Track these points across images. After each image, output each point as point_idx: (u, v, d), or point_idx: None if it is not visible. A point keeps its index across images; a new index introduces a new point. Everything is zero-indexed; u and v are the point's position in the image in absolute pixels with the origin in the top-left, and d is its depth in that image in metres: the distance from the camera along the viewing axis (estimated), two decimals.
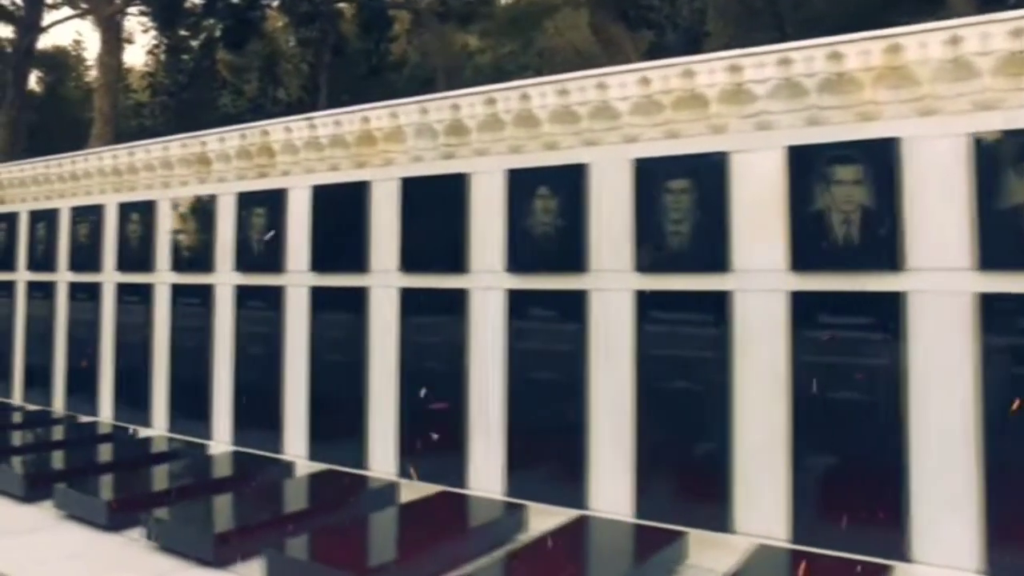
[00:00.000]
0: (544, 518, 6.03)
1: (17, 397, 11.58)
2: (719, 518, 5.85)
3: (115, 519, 5.79)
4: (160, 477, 7.05)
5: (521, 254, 6.95)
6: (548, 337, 6.84)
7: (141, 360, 9.82)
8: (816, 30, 6.43)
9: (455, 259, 7.29)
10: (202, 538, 5.23)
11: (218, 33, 22.12)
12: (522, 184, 7.00)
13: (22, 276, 11.74)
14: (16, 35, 22.78)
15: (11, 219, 12.07)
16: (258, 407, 8.60)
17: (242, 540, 5.24)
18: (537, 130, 6.96)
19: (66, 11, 25.15)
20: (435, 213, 7.50)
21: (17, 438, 8.51)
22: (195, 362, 9.22)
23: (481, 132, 7.26)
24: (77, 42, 32.79)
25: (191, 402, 9.21)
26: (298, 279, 8.36)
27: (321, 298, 8.19)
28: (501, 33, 25.31)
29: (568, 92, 6.77)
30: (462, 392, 7.15)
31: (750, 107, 6.08)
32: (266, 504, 6.29)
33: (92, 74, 35.30)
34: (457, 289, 7.27)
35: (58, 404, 10.90)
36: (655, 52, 16.49)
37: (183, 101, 25.23)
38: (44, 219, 11.49)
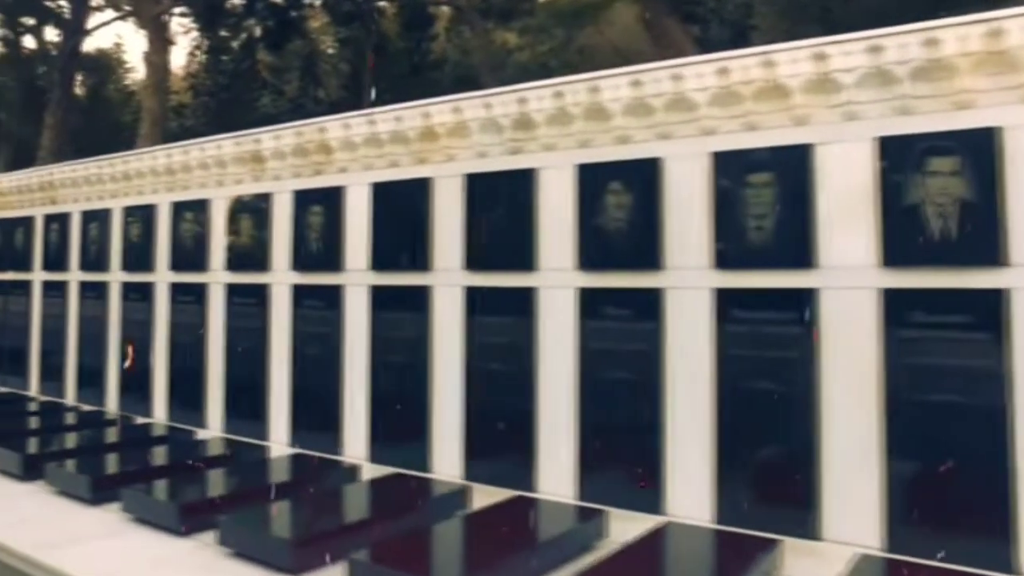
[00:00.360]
0: (624, 523, 5.83)
1: (70, 397, 11.58)
2: (805, 524, 5.61)
3: (187, 523, 5.65)
4: (226, 480, 6.97)
5: (593, 251, 6.75)
6: (622, 337, 6.63)
7: (195, 360, 9.73)
8: (865, 24, 6.19)
9: (523, 257, 7.11)
10: (279, 544, 5.09)
11: (258, 33, 22.08)
12: (593, 179, 6.80)
13: (74, 276, 11.74)
14: (62, 38, 22.94)
15: (63, 219, 12.08)
16: (316, 408, 8.49)
17: (318, 546, 5.09)
18: (608, 124, 6.76)
19: (112, 13, 25.24)
20: (501, 209, 7.34)
21: (76, 439, 8.48)
22: (251, 362, 9.13)
23: (549, 126, 7.08)
24: (118, 45, 32.91)
25: (247, 403, 9.12)
26: (357, 278, 8.23)
27: (382, 297, 8.06)
28: (554, 25, 25.07)
29: (642, 84, 6.58)
30: (531, 394, 6.97)
31: (836, 97, 5.84)
32: (336, 509, 6.18)
33: (132, 77, 35.63)
34: (525, 288, 7.09)
35: (111, 405, 10.87)
36: (701, 46, 16.23)
37: (223, 102, 25.30)
38: (96, 219, 11.48)
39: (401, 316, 7.97)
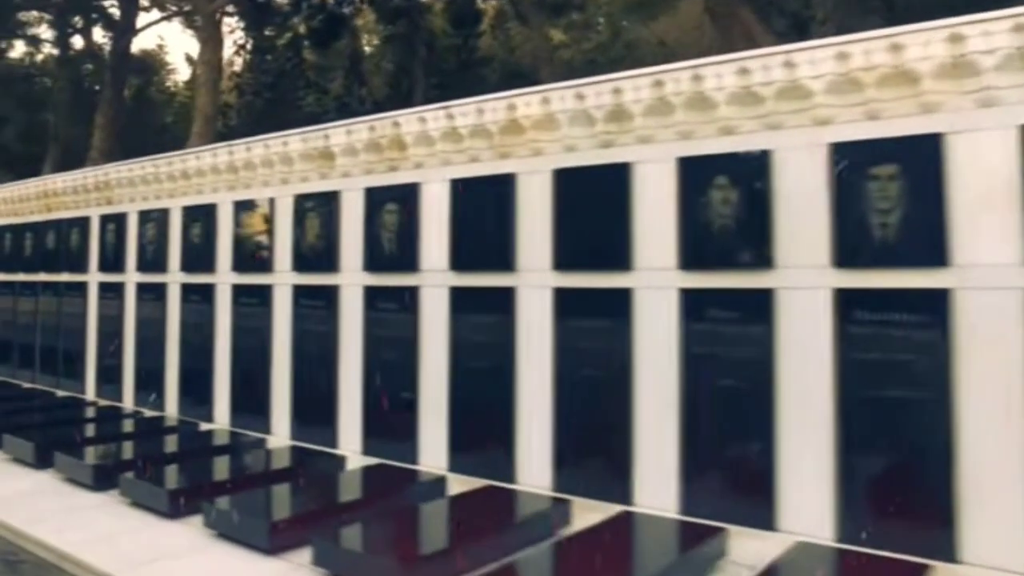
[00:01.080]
0: (745, 541, 5.45)
1: (128, 401, 11.39)
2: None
3: (276, 541, 5.37)
4: (311, 493, 6.69)
5: (697, 249, 6.37)
6: (729, 341, 6.24)
7: (259, 365, 9.47)
8: (929, 14, 5.77)
9: (617, 256, 6.75)
10: (387, 569, 4.76)
11: (304, 30, 21.88)
12: (696, 173, 6.42)
13: (131, 278, 11.55)
14: (112, 37, 22.87)
15: (120, 220, 11.90)
16: (391, 415, 8.15)
17: (428, 569, 4.77)
18: (712, 114, 6.37)
19: (161, 12, 25.16)
20: (593, 206, 6.98)
21: (144, 447, 8.20)
22: (319, 367, 8.83)
23: (646, 117, 6.70)
24: (160, 46, 32.96)
25: (316, 409, 8.86)
26: (435, 279, 7.91)
27: (462, 299, 7.73)
28: (621, 17, 24.71)
29: (749, 72, 6.20)
30: (627, 401, 6.62)
31: (972, 82, 5.42)
32: (434, 524, 5.85)
33: (174, 78, 35.69)
34: (619, 289, 6.72)
35: (171, 409, 10.63)
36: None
37: (268, 101, 25.15)
38: (154, 219, 11.26)
39: (484, 319, 7.63)
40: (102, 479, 6.86)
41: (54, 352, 13.01)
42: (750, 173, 6.19)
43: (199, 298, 10.44)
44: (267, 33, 24.41)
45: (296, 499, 6.45)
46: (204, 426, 9.70)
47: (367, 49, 29.17)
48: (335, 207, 8.84)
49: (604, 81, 6.95)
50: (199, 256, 10.43)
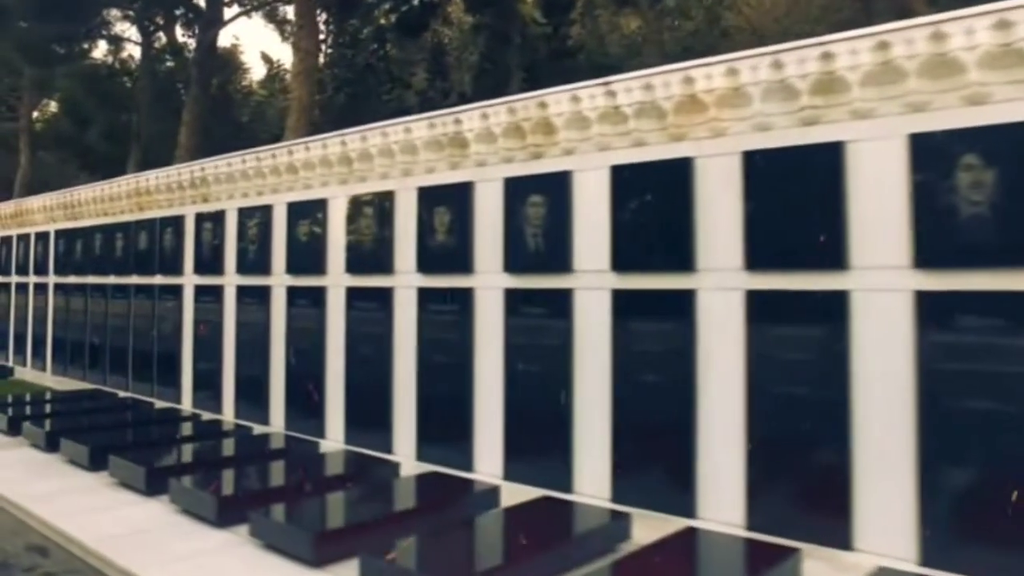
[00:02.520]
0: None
1: (228, 413, 10.62)
2: None
3: (322, 554, 5.12)
4: (362, 502, 6.31)
5: (936, 245, 5.26)
6: (984, 355, 5.12)
7: (379, 376, 8.59)
8: None
9: (830, 252, 5.66)
10: None
11: (391, 21, 21.10)
12: (935, 152, 5.30)
13: (231, 280, 10.77)
14: (198, 31, 22.36)
15: (217, 218, 11.14)
16: (538, 432, 7.19)
17: None
18: (960, 78, 5.25)
19: (243, 6, 24.62)
20: (795, 193, 5.89)
21: (266, 474, 7.33)
22: (452, 379, 7.94)
23: (864, 88, 5.60)
24: (235, 45, 32.61)
25: (445, 423, 8.02)
26: (593, 280, 6.92)
27: (627, 303, 6.71)
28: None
29: (1011, 25, 5.05)
30: (844, 421, 5.52)
31: None
32: (508, 540, 5.39)
33: (249, 77, 35.37)
34: (834, 292, 5.64)
35: (276, 421, 9.81)
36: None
37: (350, 96, 24.47)
38: (255, 217, 10.49)
39: (654, 326, 6.61)
40: (228, 514, 5.96)
41: (148, 359, 12.36)
42: (1015, 153, 5.05)
43: (308, 302, 9.61)
44: (351, 23, 23.68)
45: (338, 509, 6.19)
46: (327, 447, 8.78)
47: (447, 40, 28.41)
48: (468, 200, 7.89)
49: (810, 45, 5.86)
50: (307, 257, 9.59)
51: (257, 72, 35.64)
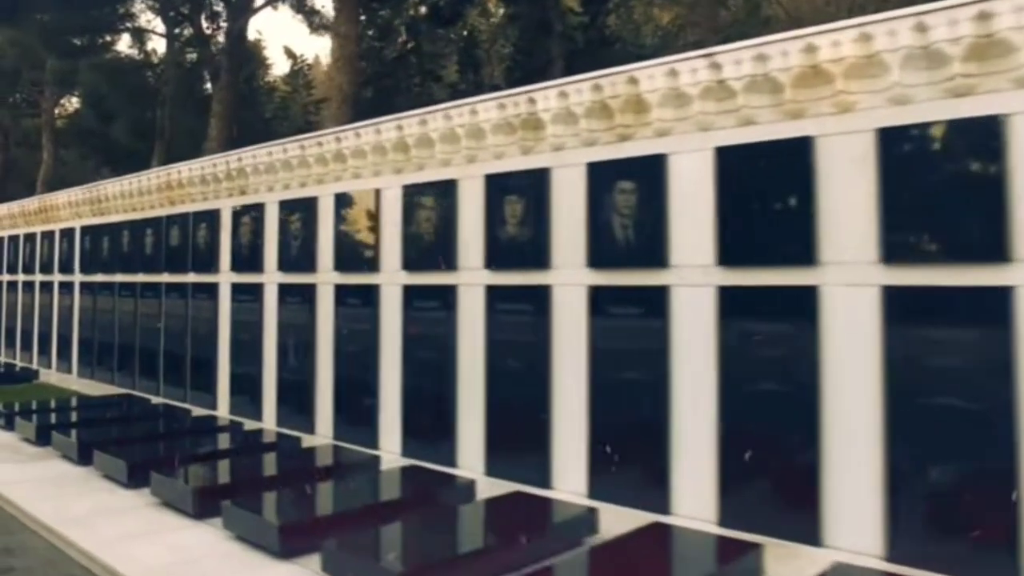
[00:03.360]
0: None
1: (268, 421, 9.90)
2: None
3: None
4: (448, 531, 5.60)
5: None
6: None
7: (443, 382, 7.86)
8: None
9: (990, 242, 4.86)
10: None
11: (423, 11, 20.36)
12: None
13: (272, 278, 10.07)
14: (228, 19, 21.63)
15: (256, 211, 10.43)
16: (635, 448, 6.42)
17: None
18: None
19: None
20: (940, 177, 5.10)
21: (324, 494, 6.60)
22: (526, 385, 7.18)
23: None
24: (257, 40, 31.97)
25: (518, 434, 7.24)
26: (693, 276, 6.14)
27: (735, 302, 5.94)
28: None
29: None
30: (1014, 437, 4.72)
31: None
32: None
33: (272, 72, 34.74)
34: (997, 288, 4.84)
35: (323, 429, 9.10)
36: None
37: (380, 90, 23.76)
38: (299, 209, 9.76)
39: (769, 327, 5.83)
40: (293, 543, 5.22)
41: (180, 362, 11.69)
42: None
43: (359, 302, 8.88)
44: (382, 14, 22.96)
45: (422, 538, 5.47)
46: (377, 458, 8.04)
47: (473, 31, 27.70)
48: (543, 188, 7.12)
49: (962, 4, 5.07)
50: (357, 253, 8.87)
51: (279, 68, 34.77)
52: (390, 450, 8.29)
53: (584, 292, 6.85)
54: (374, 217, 8.78)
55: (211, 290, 11.30)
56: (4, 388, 13.21)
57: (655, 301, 6.38)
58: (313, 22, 23.29)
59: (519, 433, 7.21)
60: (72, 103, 34.00)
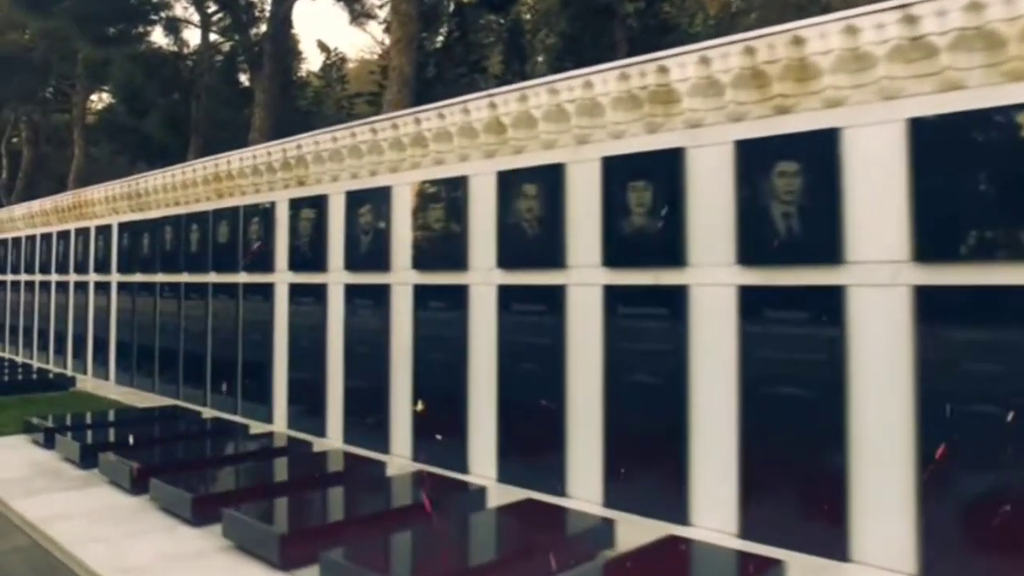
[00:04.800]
0: None
1: (334, 437, 8.90)
2: None
3: None
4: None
5: None
6: None
7: (546, 395, 6.79)
8: None
9: None
10: None
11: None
12: None
13: (337, 278, 9.07)
14: (272, 3, 20.63)
15: (318, 204, 9.44)
16: (780, 484, 5.36)
17: None
18: None
19: None
20: None
21: (426, 532, 5.57)
22: (657, 401, 6.07)
23: None
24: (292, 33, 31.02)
25: (648, 461, 6.14)
26: (879, 274, 5.07)
27: (938, 304, 4.85)
28: None
29: None
30: None
31: None
32: None
33: (305, 67, 33.82)
34: None
35: (400, 448, 8.08)
36: None
37: (423, 82, 22.73)
38: (368, 201, 8.75)
39: (983, 334, 4.71)
40: None
41: (230, 370, 10.73)
42: None
43: (443, 304, 7.88)
44: (424, 3, 21.94)
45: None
46: (472, 484, 7.01)
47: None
48: (676, 171, 6.05)
49: None
50: (440, 249, 7.85)
51: (311, 63, 33.85)
52: (482, 473, 7.25)
53: (732, 294, 5.76)
54: (460, 208, 7.77)
55: (265, 291, 10.32)
56: (38, 396, 12.28)
57: (829, 304, 5.31)
58: (354, 10, 22.31)
59: (649, 463, 6.18)
60: (103, 99, 33.32)
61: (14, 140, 34.46)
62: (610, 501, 6.34)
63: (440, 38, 24.52)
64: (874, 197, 5.21)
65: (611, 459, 6.43)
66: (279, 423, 9.88)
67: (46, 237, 17.37)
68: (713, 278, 5.95)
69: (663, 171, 6.26)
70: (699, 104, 6.09)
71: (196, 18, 25.08)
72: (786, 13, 20.47)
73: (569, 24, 22.30)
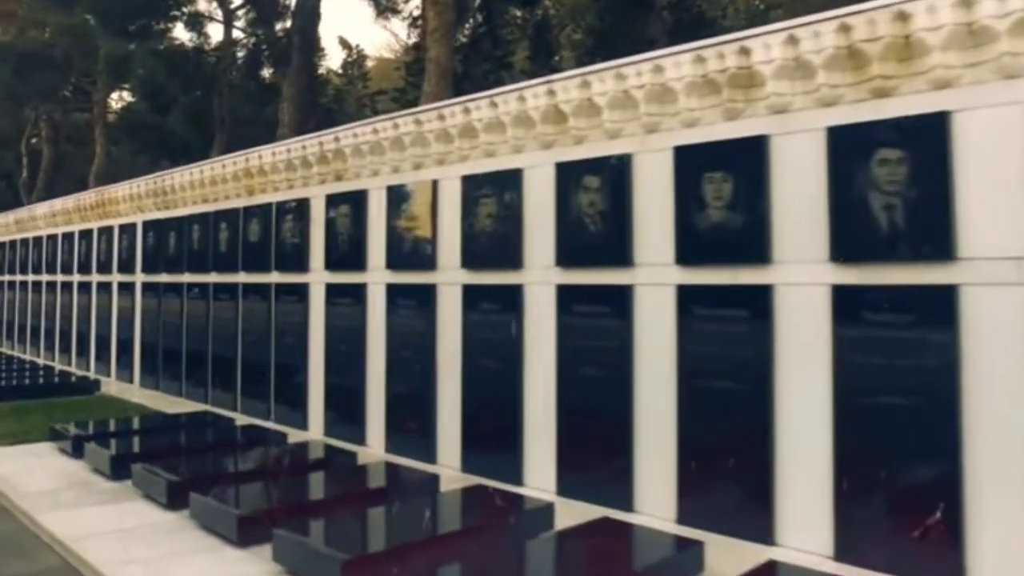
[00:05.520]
0: None
1: (375, 445, 8.45)
2: None
3: None
4: None
5: None
6: None
7: (611, 407, 6.33)
8: None
9: None
10: None
11: None
12: None
13: (378, 277, 8.64)
14: None
15: (357, 199, 8.99)
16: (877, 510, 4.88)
17: None
18: None
19: None
20: None
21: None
22: (736, 413, 5.60)
23: None
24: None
25: (745, 485, 5.62)
26: (1002, 271, 4.54)
27: None
28: None
29: None
30: None
31: None
32: None
33: (326, 64, 33.44)
34: None
35: (447, 459, 7.64)
36: None
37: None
38: (412, 196, 8.30)
39: None
40: None
41: (262, 373, 10.33)
42: None
43: (496, 307, 7.44)
44: None
45: None
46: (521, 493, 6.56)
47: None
48: (758, 160, 5.60)
49: None
50: (493, 246, 7.41)
51: (331, 61, 33.44)
52: (539, 486, 6.79)
53: (825, 293, 5.28)
54: (514, 203, 7.34)
55: (300, 291, 9.90)
56: (61, 400, 11.91)
57: (939, 305, 4.81)
58: (380, 3, 21.88)
59: (735, 481, 5.68)
60: (123, 98, 33.05)
61: (33, 140, 34.26)
62: (684, 518, 5.85)
63: (466, 33, 24.07)
64: (991, 186, 4.71)
65: (685, 472, 5.94)
66: (315, 430, 9.45)
67: (68, 236, 17.04)
68: (802, 277, 5.46)
69: (744, 161, 5.78)
70: (786, 88, 5.61)
71: (219, 13, 24.71)
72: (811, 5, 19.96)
73: (599, 18, 21.81)
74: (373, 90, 30.59)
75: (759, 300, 5.65)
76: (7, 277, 20.75)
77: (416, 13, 23.59)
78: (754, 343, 5.66)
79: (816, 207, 5.42)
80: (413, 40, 25.70)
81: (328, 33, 38.73)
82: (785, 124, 5.66)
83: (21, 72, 24.31)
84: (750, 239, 5.72)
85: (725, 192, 5.87)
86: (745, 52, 5.76)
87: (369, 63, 37.94)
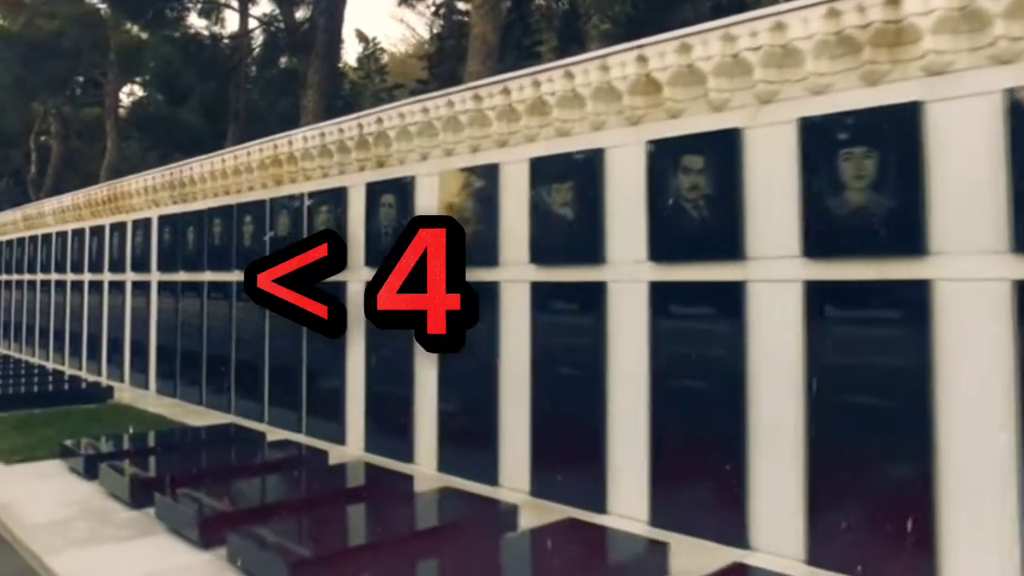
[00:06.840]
0: None
1: (426, 464, 7.56)
2: None
3: None
4: None
5: None
6: None
7: (721, 424, 5.41)
8: None
9: None
10: None
11: None
12: None
13: None
14: None
15: (401, 189, 8.11)
16: None
17: None
18: None
19: None
20: None
21: None
22: (885, 435, 4.68)
23: None
24: None
25: (897, 516, 4.72)
26: None
27: None
28: None
29: None
30: None
31: None
32: None
33: (344, 58, 32.55)
34: None
35: (512, 480, 6.75)
36: None
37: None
38: (469, 183, 7.40)
39: None
40: None
41: (292, 382, 9.44)
42: None
43: (573, 306, 6.55)
44: None
45: None
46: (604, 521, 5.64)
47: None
48: (911, 134, 4.72)
49: None
50: (567, 238, 6.47)
51: (347, 55, 32.55)
52: (633, 515, 5.87)
53: (1005, 290, 4.33)
54: (592, 188, 6.46)
55: (336, 291, 8.92)
56: (72, 409, 11.00)
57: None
58: None
59: (888, 513, 4.75)
60: (134, 92, 32.30)
61: (42, 138, 33.50)
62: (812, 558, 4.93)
63: None
64: None
65: (813, 496, 5.02)
66: (353, 445, 8.57)
67: (78, 233, 16.20)
68: (971, 271, 4.53)
69: (891, 132, 4.85)
70: (946, 44, 4.66)
71: (235, 1, 23.86)
72: None
73: (632, 5, 20.88)
74: (391, 84, 29.68)
75: (913, 297, 4.74)
76: (15, 276, 19.93)
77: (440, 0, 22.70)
78: (910, 350, 4.74)
79: (989, 187, 4.49)
80: (436, 31, 24.81)
81: (343, 27, 37.85)
82: (944, 88, 4.75)
83: (30, 62, 23.50)
84: (902, 225, 4.79)
85: (868, 170, 4.95)
86: (894, 3, 4.83)
87: (385, 58, 37.08)
